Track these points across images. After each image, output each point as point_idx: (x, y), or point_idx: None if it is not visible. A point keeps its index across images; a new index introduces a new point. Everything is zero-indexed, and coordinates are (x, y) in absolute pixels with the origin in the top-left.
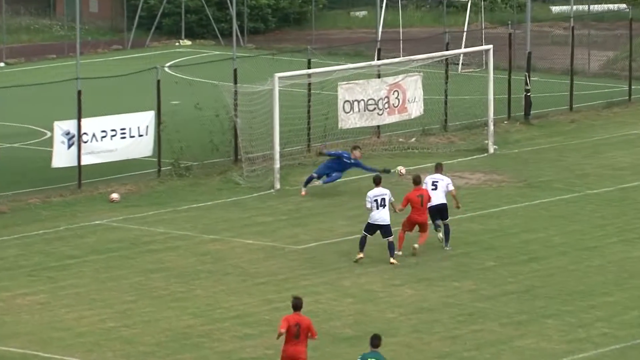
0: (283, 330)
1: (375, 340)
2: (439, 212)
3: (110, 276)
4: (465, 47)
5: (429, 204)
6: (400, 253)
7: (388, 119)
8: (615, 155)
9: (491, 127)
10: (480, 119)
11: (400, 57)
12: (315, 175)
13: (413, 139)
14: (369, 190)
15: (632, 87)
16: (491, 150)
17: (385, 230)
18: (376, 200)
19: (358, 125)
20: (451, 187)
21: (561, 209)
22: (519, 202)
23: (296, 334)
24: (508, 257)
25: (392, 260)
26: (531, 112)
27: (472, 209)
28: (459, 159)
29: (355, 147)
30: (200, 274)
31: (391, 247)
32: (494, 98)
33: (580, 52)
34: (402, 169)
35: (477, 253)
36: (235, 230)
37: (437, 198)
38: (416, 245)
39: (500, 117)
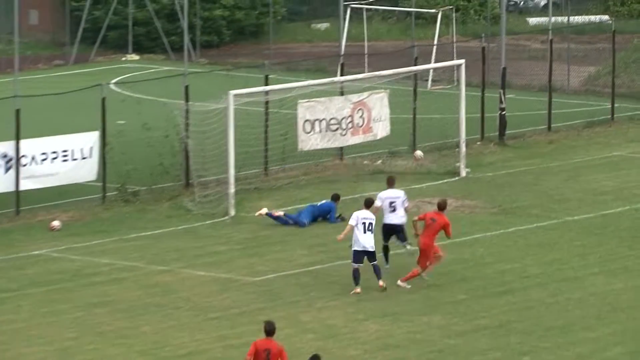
0: (249, 358)
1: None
2: (395, 232)
3: (50, 310)
4: (435, 62)
5: (385, 222)
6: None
7: (352, 139)
8: (597, 179)
9: (463, 149)
10: (451, 140)
11: (365, 72)
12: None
13: (379, 162)
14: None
15: (615, 105)
16: (463, 173)
17: (371, 256)
18: (363, 224)
19: (319, 147)
20: (407, 204)
21: (539, 237)
22: (493, 230)
23: None
24: (481, 289)
25: (380, 282)
26: (506, 132)
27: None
28: (428, 183)
29: (337, 197)
30: (148, 308)
31: (377, 270)
32: (466, 117)
33: (559, 68)
34: (418, 153)
35: (448, 285)
36: (186, 261)
37: (397, 218)
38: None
39: (473, 138)
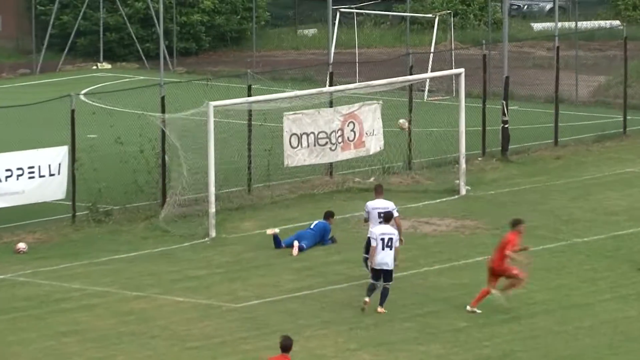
0: None
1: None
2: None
3: (16, 339)
4: (432, 71)
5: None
6: (477, 311)
7: (342, 155)
8: (609, 197)
9: (463, 165)
10: (450, 155)
11: (356, 82)
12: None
13: (372, 179)
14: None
15: (628, 117)
16: (463, 191)
17: (387, 275)
18: (382, 240)
19: (307, 163)
20: (396, 214)
21: (545, 260)
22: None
23: None
24: (483, 316)
25: (379, 309)
26: (509, 147)
27: (441, 260)
28: (426, 202)
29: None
30: (122, 337)
31: (384, 294)
32: (466, 130)
33: (566, 77)
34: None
35: (447, 312)
36: (163, 286)
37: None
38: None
39: (474, 153)
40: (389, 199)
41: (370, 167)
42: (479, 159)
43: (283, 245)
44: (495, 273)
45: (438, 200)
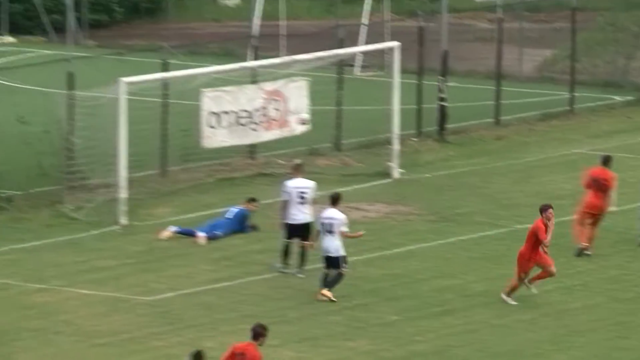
0: None
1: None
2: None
3: None
4: (364, 45)
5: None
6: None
7: (265, 135)
8: (553, 181)
9: (396, 146)
10: (382, 136)
11: (281, 57)
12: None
13: (298, 161)
14: None
15: (575, 94)
16: (396, 174)
17: (333, 263)
18: (322, 224)
19: (227, 144)
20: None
21: (484, 248)
22: (430, 240)
23: None
24: (416, 309)
25: (323, 292)
26: (447, 126)
27: (370, 249)
28: (355, 186)
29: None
30: (23, 332)
31: (334, 279)
32: (401, 109)
33: (509, 51)
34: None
35: (377, 305)
36: (69, 278)
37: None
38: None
39: (408, 133)
40: (316, 183)
41: (295, 149)
42: (414, 139)
43: (195, 231)
44: (525, 264)
45: (369, 184)
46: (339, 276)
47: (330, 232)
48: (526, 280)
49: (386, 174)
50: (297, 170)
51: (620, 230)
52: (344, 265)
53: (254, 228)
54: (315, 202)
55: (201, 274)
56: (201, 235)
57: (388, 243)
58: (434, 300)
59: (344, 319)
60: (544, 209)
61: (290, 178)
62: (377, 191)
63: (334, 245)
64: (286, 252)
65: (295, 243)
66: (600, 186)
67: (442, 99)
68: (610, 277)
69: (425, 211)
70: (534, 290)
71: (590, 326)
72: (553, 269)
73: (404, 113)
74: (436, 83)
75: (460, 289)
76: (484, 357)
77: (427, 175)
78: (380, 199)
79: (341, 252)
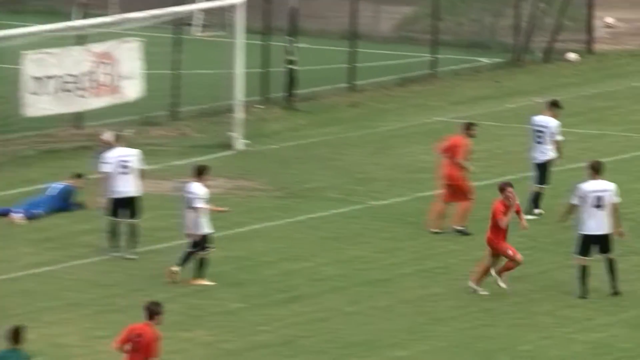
0: (118, 345)
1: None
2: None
3: None
4: (203, 2)
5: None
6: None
7: (94, 102)
8: (413, 152)
9: (239, 114)
10: (224, 103)
11: (111, 15)
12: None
13: (131, 131)
14: None
15: (438, 56)
16: (239, 146)
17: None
18: (184, 199)
19: (51, 112)
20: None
21: (336, 227)
22: (277, 219)
23: (133, 348)
24: (260, 295)
25: (174, 268)
26: (296, 92)
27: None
28: (194, 158)
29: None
30: None
31: (189, 257)
32: (245, 73)
33: (365, 8)
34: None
35: (217, 291)
36: None
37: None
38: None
39: (253, 100)
40: (151, 155)
41: (127, 117)
42: (259, 106)
43: (10, 210)
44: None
45: (209, 157)
46: (202, 260)
47: (190, 207)
48: (493, 272)
49: (228, 145)
50: (116, 140)
51: (487, 206)
52: (206, 245)
53: (80, 206)
54: (144, 174)
55: (20, 257)
56: (18, 215)
57: (230, 222)
58: (281, 285)
59: (180, 306)
60: (502, 188)
61: (108, 149)
62: (218, 164)
63: (194, 221)
64: (114, 232)
65: (122, 221)
66: (450, 155)
67: (290, 62)
68: (475, 259)
69: (272, 186)
70: (502, 284)
71: (452, 313)
72: (518, 257)
73: (248, 77)
74: (284, 44)
75: (310, 272)
76: (335, 349)
77: (274, 146)
78: (222, 173)
79: (202, 229)
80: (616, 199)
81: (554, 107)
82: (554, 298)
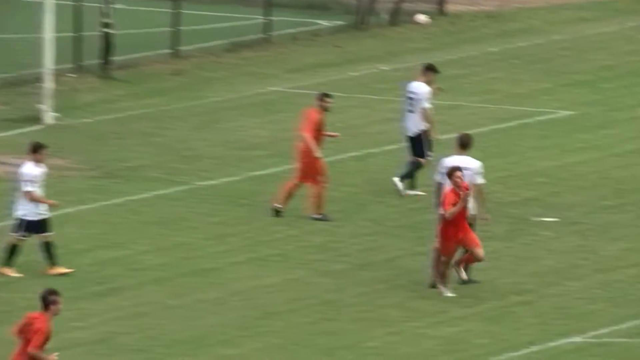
0: (13, 331)
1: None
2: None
3: None
4: None
5: None
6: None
7: None
8: (245, 126)
9: (49, 84)
10: (31, 71)
11: None
12: None
13: None
14: None
15: (272, 18)
16: (49, 119)
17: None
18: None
19: None
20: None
21: (159, 210)
22: (91, 202)
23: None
24: (73, 288)
25: (53, 270)
26: (113, 59)
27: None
28: None
29: None
30: None
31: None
32: (55, 37)
33: None
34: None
35: (22, 284)
36: None
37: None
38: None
39: (64, 68)
40: None
41: None
42: (71, 75)
43: None
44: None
45: (14, 132)
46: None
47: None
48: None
49: (37, 118)
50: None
51: (333, 185)
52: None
53: None
54: None
55: None
56: None
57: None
58: (96, 276)
59: None
60: (450, 173)
61: None
62: (25, 140)
63: (22, 206)
64: None
65: None
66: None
67: (106, 25)
68: (315, 245)
69: (86, 165)
70: (463, 275)
71: (289, 306)
72: (480, 251)
73: (58, 42)
74: (99, 5)
75: (129, 261)
76: (158, 346)
77: (88, 120)
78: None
79: (21, 214)
80: (480, 180)
81: (428, 71)
82: (403, 289)
